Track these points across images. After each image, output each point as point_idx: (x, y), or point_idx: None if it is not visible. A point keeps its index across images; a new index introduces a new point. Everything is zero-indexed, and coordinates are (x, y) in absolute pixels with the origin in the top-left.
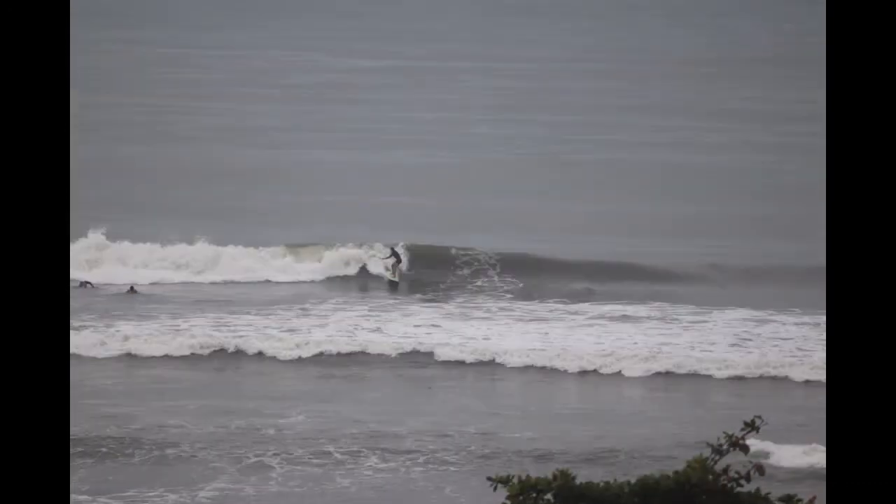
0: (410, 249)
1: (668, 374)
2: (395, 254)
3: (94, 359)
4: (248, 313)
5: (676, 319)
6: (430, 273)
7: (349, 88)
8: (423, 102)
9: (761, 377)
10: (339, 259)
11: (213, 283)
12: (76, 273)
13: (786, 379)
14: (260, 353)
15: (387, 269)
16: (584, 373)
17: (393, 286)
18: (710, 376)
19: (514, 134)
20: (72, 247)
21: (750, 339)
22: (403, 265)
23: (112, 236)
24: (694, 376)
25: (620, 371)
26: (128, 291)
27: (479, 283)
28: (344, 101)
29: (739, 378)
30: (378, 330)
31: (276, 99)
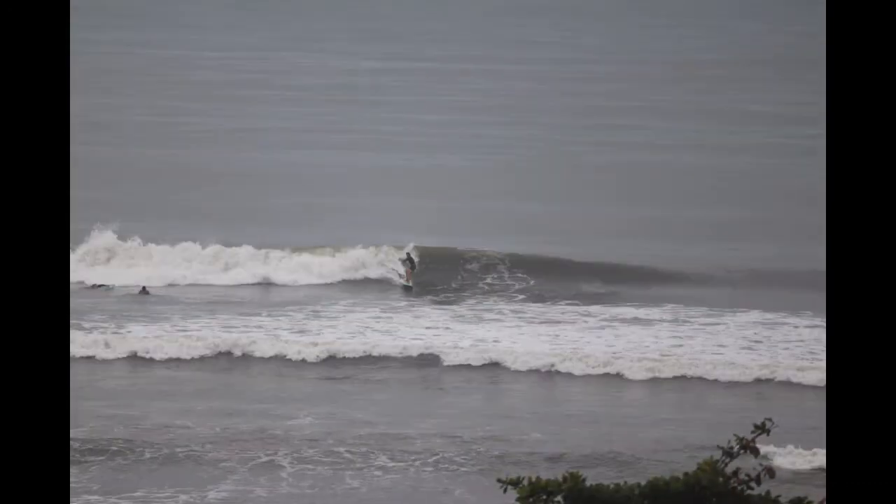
0: (420, 251)
1: (678, 377)
2: (409, 259)
3: (103, 360)
4: (259, 315)
5: (688, 322)
6: (440, 275)
7: (356, 90)
8: (428, 104)
9: (771, 380)
10: (349, 261)
11: (223, 286)
12: (88, 274)
13: (797, 382)
14: (269, 355)
15: (400, 275)
16: (594, 375)
17: (407, 290)
18: (719, 380)
19: (521, 136)
20: (83, 248)
21: (761, 342)
22: (416, 269)
23: (123, 237)
24: (704, 380)
25: (630, 373)
26: (139, 292)
27: (489, 284)
28: (352, 103)
29: (749, 381)
30: (388, 332)
31: (283, 101)
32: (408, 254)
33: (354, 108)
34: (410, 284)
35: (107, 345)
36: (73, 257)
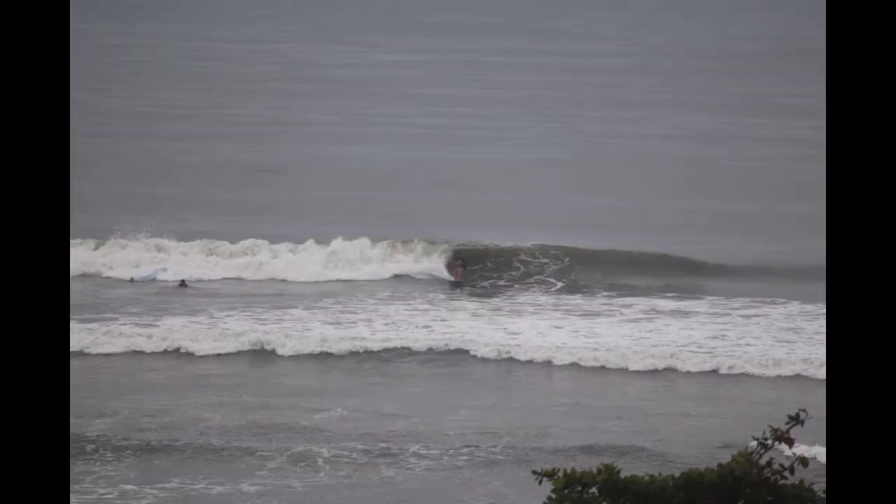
0: (458, 244)
1: (716, 370)
2: (461, 259)
3: (137, 352)
4: (295, 307)
5: (727, 314)
6: (477, 268)
7: (376, 82)
8: (448, 97)
9: (808, 374)
10: (385, 255)
11: (260, 280)
12: (126, 269)
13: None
14: (300, 348)
15: (451, 272)
16: (629, 369)
17: (455, 286)
18: (756, 373)
19: (557, 129)
20: (122, 242)
21: (799, 333)
22: (467, 268)
23: (157, 233)
24: (742, 373)
25: (665, 366)
26: (178, 285)
27: (525, 277)
28: (372, 96)
29: (788, 375)
30: (422, 326)
31: (302, 93)
32: (461, 258)
33: (387, 100)
34: (461, 280)
35: (146, 337)
36: (110, 251)
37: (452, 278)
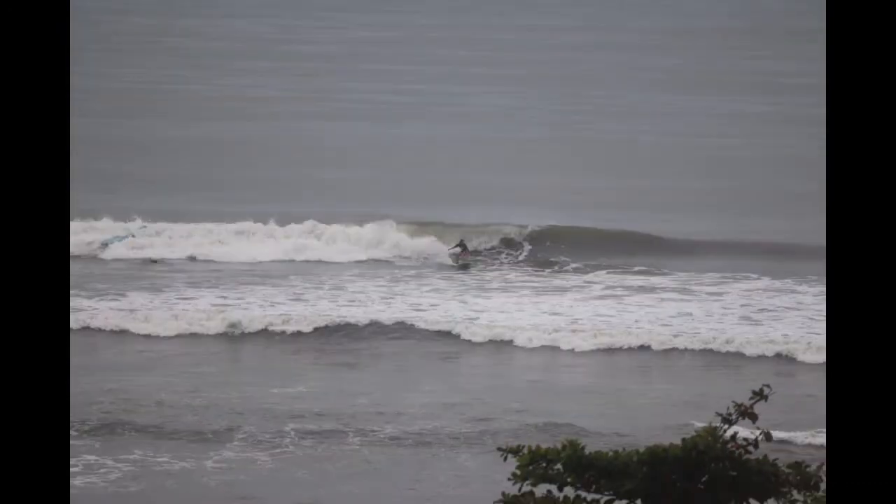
0: (419, 223)
1: (689, 349)
2: (462, 244)
3: (99, 330)
4: (265, 286)
5: (692, 291)
6: (452, 249)
7: (360, 58)
8: (434, 74)
9: (765, 354)
10: (359, 237)
11: (260, 262)
12: (135, 252)
13: (803, 361)
14: (270, 328)
15: (452, 257)
16: (601, 348)
17: (464, 268)
18: (734, 353)
19: (525, 105)
20: (128, 225)
21: (767, 311)
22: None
23: (152, 214)
24: (720, 353)
25: (635, 345)
26: (149, 262)
27: (497, 255)
28: (354, 73)
29: (753, 356)
30: (393, 304)
31: (281, 71)
32: (461, 240)
33: (363, 79)
34: (459, 264)
35: (107, 315)
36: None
37: (458, 262)
